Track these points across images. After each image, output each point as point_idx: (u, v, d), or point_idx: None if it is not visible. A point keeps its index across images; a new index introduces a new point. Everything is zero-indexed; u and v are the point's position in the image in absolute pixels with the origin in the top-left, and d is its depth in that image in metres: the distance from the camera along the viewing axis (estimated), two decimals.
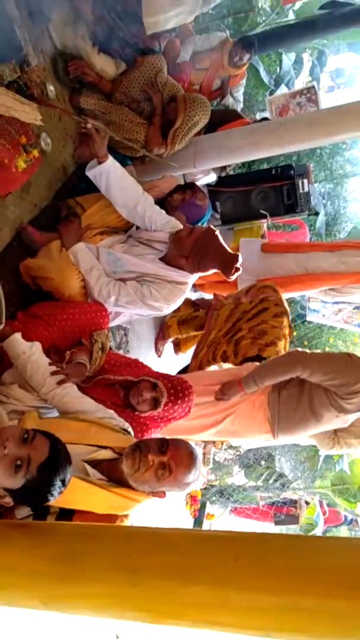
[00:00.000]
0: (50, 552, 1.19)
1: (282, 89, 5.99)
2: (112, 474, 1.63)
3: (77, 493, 1.51)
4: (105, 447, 1.70)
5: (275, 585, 1.03)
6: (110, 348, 2.51)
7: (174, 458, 1.57)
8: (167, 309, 2.37)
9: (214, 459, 4.72)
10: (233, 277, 2.29)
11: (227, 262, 2.25)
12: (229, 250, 2.29)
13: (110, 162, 2.30)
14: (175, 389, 2.10)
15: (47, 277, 2.21)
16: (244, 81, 4.44)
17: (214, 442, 4.23)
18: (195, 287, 3.90)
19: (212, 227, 2.35)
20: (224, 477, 4.81)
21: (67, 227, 2.37)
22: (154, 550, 1.14)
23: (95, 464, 1.65)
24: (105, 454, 1.68)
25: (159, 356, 3.62)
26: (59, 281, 2.22)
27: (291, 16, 5.43)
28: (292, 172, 4.75)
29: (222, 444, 4.39)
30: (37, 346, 1.87)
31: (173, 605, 1.08)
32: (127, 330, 3.17)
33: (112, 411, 1.84)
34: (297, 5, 5.20)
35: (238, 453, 4.79)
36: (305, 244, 3.71)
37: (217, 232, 2.30)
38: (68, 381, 1.84)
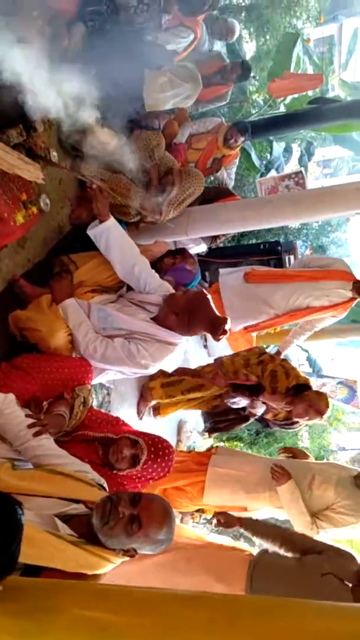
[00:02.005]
0: (11, 609, 1.12)
1: (272, 174, 6.38)
2: (83, 530, 1.56)
3: (45, 548, 1.43)
4: (78, 502, 1.64)
5: None
6: (92, 405, 2.48)
7: (145, 511, 1.51)
8: (154, 368, 2.37)
9: None
10: (221, 339, 2.34)
11: (215, 324, 2.31)
12: (218, 313, 2.35)
13: (112, 222, 2.40)
14: (156, 446, 2.06)
15: (35, 329, 2.23)
16: (236, 161, 4.72)
17: (191, 514, 4.07)
18: None
19: (204, 290, 2.43)
20: None
21: (59, 283, 2.41)
22: (123, 609, 1.08)
23: (67, 519, 1.59)
24: (78, 509, 1.62)
25: (140, 419, 3.57)
26: (46, 334, 2.23)
27: (282, 109, 5.89)
28: (279, 247, 4.99)
29: (200, 516, 4.23)
30: (10, 399, 1.83)
31: None
32: (110, 390, 3.15)
33: (87, 465, 1.79)
34: (288, 99, 5.66)
35: (216, 529, 4.59)
36: (288, 273, 3.71)
37: (209, 296, 2.38)
38: (45, 432, 1.81)
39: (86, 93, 2.89)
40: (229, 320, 2.31)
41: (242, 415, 3.76)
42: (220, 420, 4.04)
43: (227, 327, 2.31)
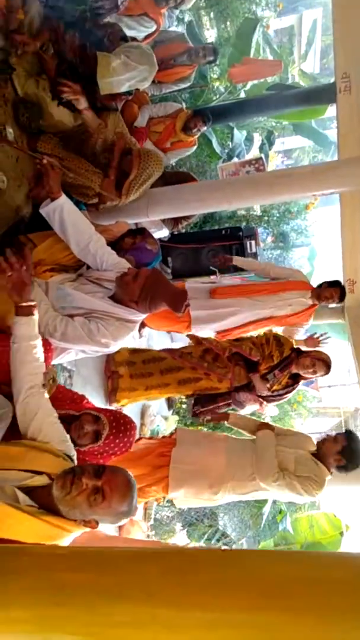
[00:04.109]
0: None
1: (233, 161, 6.43)
2: (44, 501, 1.56)
3: (3, 520, 1.44)
4: (41, 473, 1.64)
5: (203, 600, 1.01)
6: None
7: (109, 483, 1.53)
8: (114, 346, 2.37)
9: (155, 517, 4.55)
10: (183, 313, 2.36)
11: (177, 300, 2.31)
12: (176, 287, 2.36)
13: (63, 199, 2.37)
14: (118, 422, 2.08)
15: None
16: (192, 149, 4.69)
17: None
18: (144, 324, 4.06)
19: (156, 267, 2.42)
20: (165, 537, 4.62)
21: None
22: (79, 567, 1.09)
23: (29, 490, 1.59)
24: (40, 480, 1.62)
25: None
26: (4, 312, 2.19)
27: (242, 96, 5.93)
28: (240, 233, 5.05)
29: (163, 499, 4.25)
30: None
31: (99, 625, 1.03)
32: (72, 372, 3.13)
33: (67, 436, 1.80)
34: (248, 86, 5.70)
35: (180, 510, 4.65)
36: (251, 287, 3.93)
37: (161, 270, 2.38)
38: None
39: (41, 69, 2.85)
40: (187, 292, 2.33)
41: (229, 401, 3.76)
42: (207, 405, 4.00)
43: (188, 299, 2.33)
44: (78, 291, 2.41)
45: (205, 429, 5.64)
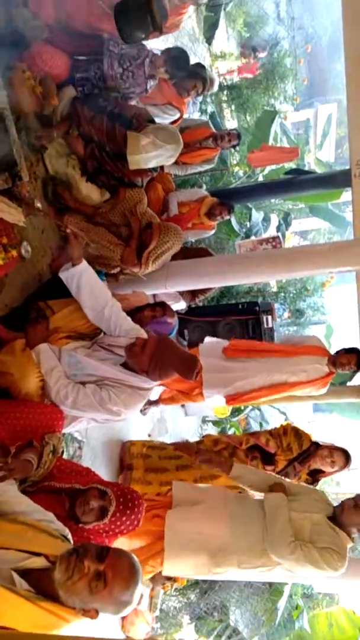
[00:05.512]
0: None
1: (251, 239, 6.61)
2: (42, 585, 1.44)
3: None
4: (39, 555, 1.53)
5: None
6: (62, 455, 2.39)
7: (111, 568, 1.41)
8: (125, 414, 2.32)
9: (161, 607, 4.21)
10: (195, 379, 2.31)
11: (187, 366, 2.28)
12: (186, 352, 2.33)
13: (83, 266, 2.42)
14: (125, 497, 1.98)
15: (7, 372, 2.18)
16: (210, 233, 4.83)
17: (163, 584, 3.82)
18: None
19: (164, 335, 2.41)
20: (171, 630, 4.24)
21: (34, 328, 2.39)
22: None
23: (25, 573, 1.47)
24: (38, 562, 1.50)
25: None
26: (18, 378, 2.18)
27: (260, 179, 6.20)
28: (257, 308, 5.08)
29: (171, 586, 3.96)
30: None
31: None
32: (82, 444, 3.04)
33: (51, 514, 1.69)
34: (266, 170, 5.97)
35: (188, 601, 4.30)
36: (266, 348, 3.82)
37: (170, 337, 2.37)
38: (10, 477, 1.72)
39: (72, 150, 3.03)
40: (198, 358, 2.30)
41: None
42: None
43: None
44: (90, 358, 2.40)
45: None
